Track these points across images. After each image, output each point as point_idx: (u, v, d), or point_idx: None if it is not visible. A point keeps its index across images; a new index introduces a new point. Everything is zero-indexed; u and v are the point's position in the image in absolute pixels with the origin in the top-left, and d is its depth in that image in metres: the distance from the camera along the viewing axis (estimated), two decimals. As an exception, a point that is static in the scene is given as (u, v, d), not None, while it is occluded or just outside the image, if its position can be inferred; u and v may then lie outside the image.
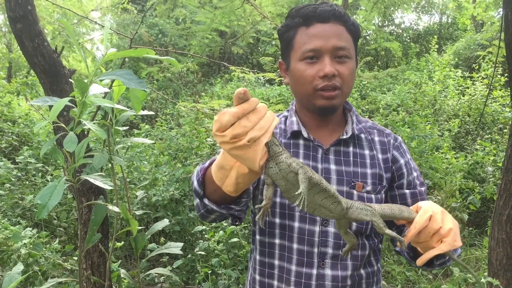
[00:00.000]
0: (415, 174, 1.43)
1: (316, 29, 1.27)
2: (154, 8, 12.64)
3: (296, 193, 0.92)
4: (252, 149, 0.90)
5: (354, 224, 1.31)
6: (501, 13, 2.86)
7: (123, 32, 11.67)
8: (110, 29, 2.02)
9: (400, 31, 16.42)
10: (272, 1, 5.28)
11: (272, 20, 5.11)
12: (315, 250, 1.29)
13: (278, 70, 1.69)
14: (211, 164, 1.13)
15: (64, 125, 1.80)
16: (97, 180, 1.71)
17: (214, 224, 3.87)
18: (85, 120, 1.72)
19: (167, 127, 7.38)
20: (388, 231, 1.02)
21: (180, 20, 11.91)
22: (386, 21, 15.84)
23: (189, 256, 3.81)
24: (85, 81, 1.65)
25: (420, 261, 1.12)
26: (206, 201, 1.15)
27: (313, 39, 1.26)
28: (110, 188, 1.73)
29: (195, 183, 1.16)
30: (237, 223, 1.26)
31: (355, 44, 1.34)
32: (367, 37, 15.13)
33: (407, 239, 1.07)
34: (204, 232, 3.83)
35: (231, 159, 0.99)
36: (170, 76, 11.47)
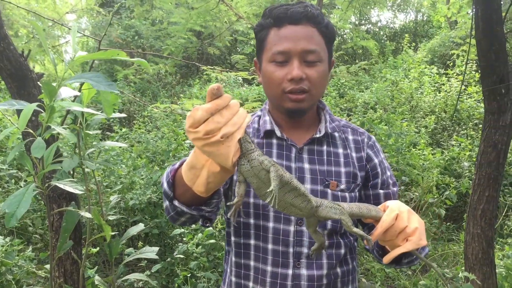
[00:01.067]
0: (388, 173, 1.43)
1: (286, 31, 1.25)
2: (131, 10, 12.53)
3: (268, 190, 0.92)
4: (225, 145, 0.89)
5: (329, 223, 1.30)
6: (473, 12, 2.90)
7: (99, 34, 11.52)
8: (79, 32, 1.98)
9: (377, 29, 16.57)
10: (248, 1, 5.27)
11: (247, 20, 5.09)
12: (291, 250, 1.29)
13: (251, 69, 1.68)
14: (181, 165, 1.11)
15: (32, 131, 1.76)
16: (67, 186, 1.68)
17: (194, 226, 3.84)
18: (54, 125, 1.68)
19: (145, 130, 7.31)
20: (355, 229, 1.03)
21: (157, 21, 11.82)
22: (363, 20, 15.97)
23: (168, 259, 3.77)
24: (54, 84, 1.62)
25: (386, 258, 1.12)
26: (176, 202, 1.12)
27: (282, 41, 1.25)
28: (80, 193, 1.69)
29: (165, 185, 1.14)
30: (207, 224, 1.24)
31: (328, 46, 1.31)
32: (344, 36, 15.23)
33: (373, 237, 1.07)
34: (182, 235, 3.79)
35: (202, 157, 0.97)
36: (149, 78, 11.38)
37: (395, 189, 1.43)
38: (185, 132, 1.00)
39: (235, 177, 1.34)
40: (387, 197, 1.40)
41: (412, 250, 1.07)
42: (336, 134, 1.40)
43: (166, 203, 1.17)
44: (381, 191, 1.40)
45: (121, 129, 6.85)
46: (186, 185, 1.04)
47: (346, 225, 1.03)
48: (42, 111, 1.65)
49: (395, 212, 1.07)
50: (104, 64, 12.00)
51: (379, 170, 1.41)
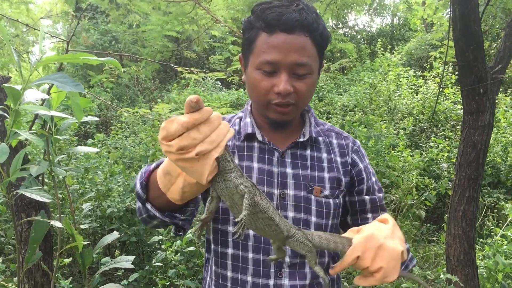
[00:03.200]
0: (373, 179, 1.39)
1: (277, 40, 1.15)
2: (107, 14, 12.38)
3: (237, 219, 0.86)
4: (200, 162, 0.81)
5: (312, 231, 1.25)
6: (449, 13, 2.90)
7: (74, 39, 11.35)
8: (47, 33, 1.90)
9: (354, 33, 16.73)
10: (225, 5, 5.21)
11: (225, 24, 5.03)
12: None
13: (227, 71, 1.60)
14: (157, 167, 1.03)
15: (-4, 136, 1.67)
16: (33, 194, 1.59)
17: (172, 233, 3.75)
18: (19, 130, 1.60)
19: (122, 136, 7.19)
20: (317, 268, 1.01)
21: (133, 26, 11.70)
22: (340, 23, 16.09)
23: (147, 268, 3.68)
24: (19, 88, 1.54)
25: (333, 271, 1.06)
26: (148, 206, 1.05)
27: (272, 51, 1.15)
28: (48, 201, 1.60)
29: (138, 186, 1.06)
30: (180, 233, 1.17)
31: (320, 54, 1.23)
32: (322, 39, 15.32)
33: (332, 271, 1.04)
34: (161, 243, 3.70)
35: (177, 168, 0.90)
36: (126, 83, 11.24)
37: (380, 195, 1.39)
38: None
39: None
40: (373, 203, 1.36)
41: (402, 274, 1.05)
42: (320, 138, 1.35)
43: (138, 204, 1.10)
44: (367, 197, 1.36)
45: (97, 136, 6.73)
46: (160, 190, 0.98)
47: (309, 262, 1.01)
48: (7, 116, 1.56)
49: (356, 254, 1.01)
50: (81, 70, 11.84)
51: (364, 175, 1.36)
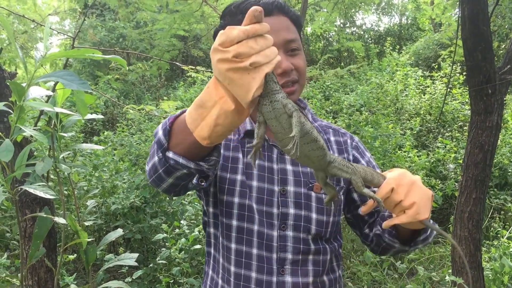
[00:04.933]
0: (378, 171, 1.38)
1: None
2: (115, 12, 12.42)
3: (289, 136, 0.85)
4: (250, 75, 0.79)
5: (313, 227, 1.24)
6: (458, 13, 2.87)
7: (81, 36, 11.39)
8: (52, 29, 1.90)
9: (362, 32, 16.67)
10: (231, 2, 5.21)
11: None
12: (274, 256, 1.22)
13: None
14: (182, 113, 0.99)
15: (1, 133, 1.67)
16: (37, 190, 1.59)
17: (177, 230, 3.76)
18: (23, 126, 1.59)
19: (128, 133, 7.21)
20: (366, 190, 0.99)
21: (141, 23, 11.72)
22: (348, 23, 16.04)
23: (151, 265, 3.69)
24: (24, 84, 1.53)
25: (384, 224, 1.08)
26: (170, 154, 0.98)
27: None
28: (52, 197, 1.60)
29: (160, 133, 1.00)
30: (203, 183, 1.10)
31: (299, 34, 1.29)
32: (330, 38, 15.28)
33: (366, 207, 1.05)
34: (165, 240, 3.70)
35: (216, 93, 0.85)
36: (133, 81, 11.27)
37: None
38: (210, 53, 0.88)
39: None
40: None
41: (423, 222, 1.04)
42: None
43: (154, 159, 1.04)
44: (376, 189, 1.35)
45: (103, 133, 6.75)
46: (186, 131, 0.93)
47: (356, 185, 1.00)
48: (12, 112, 1.56)
49: (391, 186, 1.02)
50: (88, 66, 11.87)
51: None
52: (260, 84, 0.81)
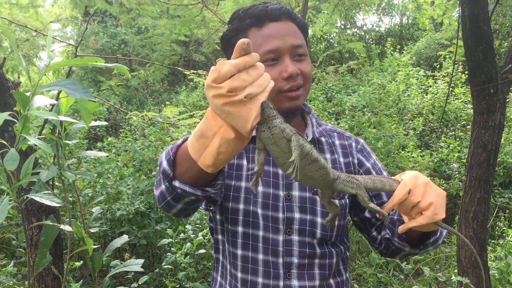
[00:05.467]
0: (384, 174, 1.39)
1: (270, 29, 1.21)
2: (116, 18, 12.46)
3: (289, 160, 0.87)
4: (247, 107, 0.81)
5: (318, 232, 1.25)
6: (458, 13, 2.88)
7: (84, 43, 11.44)
8: (55, 38, 1.91)
9: (363, 33, 16.67)
10: (232, 7, 5.22)
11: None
12: (280, 260, 1.23)
13: None
14: (184, 141, 1.02)
15: (5, 142, 1.68)
16: (43, 198, 1.60)
17: (182, 235, 3.76)
18: (27, 135, 1.61)
19: (132, 139, 7.22)
20: (372, 205, 1.01)
21: (143, 29, 11.76)
22: (349, 24, 16.05)
23: (157, 270, 3.69)
24: (28, 93, 1.55)
25: (401, 229, 1.10)
26: (176, 183, 1.01)
27: (269, 40, 1.20)
28: (57, 205, 1.61)
29: (164, 163, 1.03)
30: (211, 208, 1.14)
31: (305, 40, 1.30)
32: (331, 40, 15.28)
33: (384, 210, 1.03)
34: (170, 245, 3.71)
35: (215, 123, 0.87)
36: (136, 86, 11.30)
37: None
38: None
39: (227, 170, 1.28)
40: (389, 196, 1.35)
41: (436, 222, 1.04)
42: (323, 139, 1.36)
43: (161, 188, 1.06)
44: (382, 193, 1.35)
45: (107, 138, 6.77)
46: (189, 161, 0.95)
47: (362, 200, 1.01)
48: (17, 121, 1.57)
49: (407, 188, 1.03)
50: (90, 73, 11.90)
51: (373, 173, 1.36)
52: (257, 114, 0.82)
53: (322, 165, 0.95)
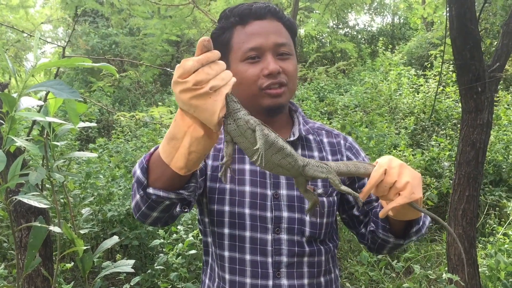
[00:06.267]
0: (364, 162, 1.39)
1: (253, 27, 1.23)
2: (107, 18, 12.41)
3: (254, 148, 0.91)
4: (212, 99, 0.86)
5: (307, 230, 1.25)
6: (446, 12, 2.90)
7: (74, 43, 11.39)
8: (41, 39, 1.91)
9: (355, 33, 16.72)
10: (223, 7, 5.22)
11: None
12: (269, 259, 1.24)
13: None
14: (156, 149, 1.04)
15: (-7, 143, 1.68)
16: (31, 200, 1.59)
17: (175, 236, 3.76)
18: (15, 137, 1.60)
19: (124, 140, 7.20)
20: (343, 187, 1.02)
21: (134, 29, 11.73)
22: (341, 24, 16.09)
23: (149, 271, 3.69)
24: (15, 94, 1.54)
25: (381, 213, 1.10)
26: (150, 190, 1.03)
27: (252, 38, 1.22)
28: (46, 207, 1.61)
29: (138, 172, 1.05)
30: (186, 210, 1.15)
31: (293, 40, 1.30)
32: (322, 40, 15.31)
33: (362, 194, 1.05)
34: (162, 246, 3.71)
35: (184, 124, 0.91)
36: (128, 87, 11.26)
37: None
38: (171, 87, 0.94)
39: (209, 162, 1.31)
40: None
41: (410, 204, 1.04)
42: (311, 137, 1.36)
43: (136, 198, 1.08)
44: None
45: (99, 140, 6.74)
46: (162, 166, 0.98)
47: (333, 183, 1.02)
48: (4, 122, 1.57)
49: (383, 168, 1.04)
50: (81, 73, 11.85)
51: None
52: (222, 105, 0.87)
53: (289, 153, 0.98)
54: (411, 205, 1.05)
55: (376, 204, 1.34)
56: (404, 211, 1.11)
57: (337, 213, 1.41)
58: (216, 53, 0.88)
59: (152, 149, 1.08)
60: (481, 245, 4.29)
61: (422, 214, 1.15)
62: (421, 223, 1.24)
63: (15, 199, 1.65)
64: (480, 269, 3.04)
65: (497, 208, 5.03)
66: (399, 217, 1.16)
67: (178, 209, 1.14)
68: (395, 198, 1.04)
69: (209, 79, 0.86)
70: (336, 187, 1.02)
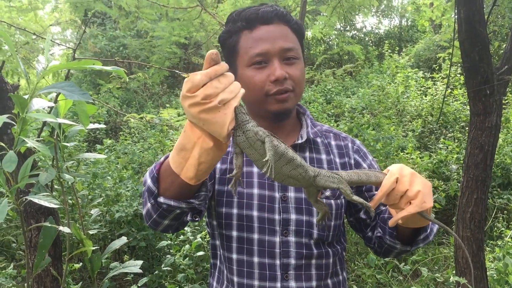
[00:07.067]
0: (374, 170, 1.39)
1: (260, 32, 1.23)
2: (115, 21, 12.48)
3: (263, 160, 0.91)
4: (221, 112, 0.87)
5: (315, 232, 1.26)
6: (455, 15, 2.90)
7: (83, 45, 11.45)
8: (52, 41, 1.93)
9: (362, 35, 16.68)
10: (230, 9, 5.24)
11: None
12: (277, 262, 1.24)
13: None
14: (166, 158, 1.05)
15: (4, 144, 1.70)
16: (41, 200, 1.61)
17: (182, 237, 3.78)
18: (26, 138, 1.62)
19: (131, 141, 7.23)
20: (355, 197, 1.02)
21: (142, 32, 11.78)
22: (348, 26, 16.06)
23: (156, 272, 3.70)
24: (26, 96, 1.56)
25: (391, 221, 1.09)
26: (161, 199, 1.04)
27: (258, 43, 1.22)
28: (56, 207, 1.63)
29: (149, 181, 1.06)
30: (197, 219, 1.16)
31: (300, 43, 1.30)
32: (330, 42, 15.30)
33: (373, 202, 1.05)
34: (169, 247, 3.72)
35: (194, 135, 0.91)
36: (135, 89, 11.30)
37: None
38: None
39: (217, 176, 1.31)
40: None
41: (419, 213, 1.03)
42: (319, 139, 1.36)
43: (147, 206, 1.09)
44: (377, 192, 1.36)
45: (107, 141, 6.77)
46: (172, 175, 0.99)
47: (345, 193, 1.02)
48: (15, 123, 1.59)
49: (395, 176, 1.04)
50: (89, 75, 11.92)
51: None
52: (232, 118, 0.88)
53: (299, 164, 0.98)
54: (420, 214, 1.04)
55: (384, 208, 1.34)
56: (414, 219, 1.10)
57: (345, 215, 1.42)
58: (224, 66, 0.88)
59: (162, 159, 1.09)
60: (489, 248, 4.26)
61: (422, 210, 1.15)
62: (428, 231, 1.24)
63: (26, 199, 1.66)
64: (488, 272, 3.02)
65: (506, 211, 5.00)
66: (408, 224, 1.15)
67: (188, 218, 1.15)
68: (406, 207, 1.04)
69: (218, 93, 0.86)
70: (347, 197, 1.02)
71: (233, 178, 0.98)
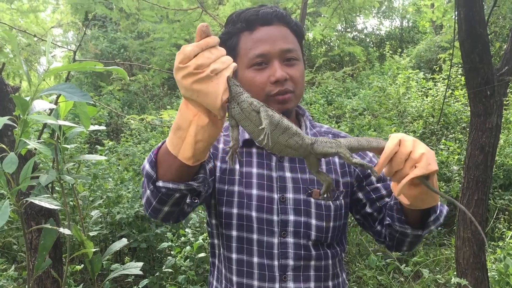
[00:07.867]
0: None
1: (260, 33, 1.23)
2: (116, 23, 12.50)
3: (259, 128, 0.91)
4: (214, 82, 0.87)
5: (313, 233, 1.25)
6: (455, 16, 2.90)
7: (84, 47, 11.48)
8: (53, 43, 1.93)
9: (363, 36, 16.69)
10: (231, 11, 5.25)
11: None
12: (275, 263, 1.24)
13: None
14: (163, 143, 1.05)
15: (5, 146, 1.70)
16: (42, 201, 1.61)
17: (183, 238, 3.78)
18: (27, 139, 1.63)
19: (132, 143, 7.23)
20: (355, 160, 0.99)
21: (143, 34, 11.79)
22: (349, 27, 16.07)
23: (157, 274, 3.70)
24: (27, 98, 1.57)
25: (397, 190, 1.03)
26: (160, 183, 1.03)
27: (258, 44, 1.22)
28: (56, 208, 1.63)
29: (147, 166, 1.06)
30: (196, 200, 1.14)
31: (300, 44, 1.30)
32: (330, 43, 15.30)
33: (378, 167, 1.00)
34: (170, 249, 3.72)
35: (189, 113, 0.92)
36: (136, 90, 11.32)
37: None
38: (174, 75, 0.95)
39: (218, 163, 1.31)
40: (387, 187, 1.34)
41: (423, 181, 0.99)
42: None
43: (146, 193, 1.08)
44: (379, 184, 1.35)
45: (108, 143, 6.77)
46: (170, 158, 0.99)
47: (345, 157, 0.99)
48: (16, 125, 1.59)
49: (398, 138, 1.00)
50: (90, 77, 11.93)
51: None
52: (225, 88, 0.88)
53: (295, 132, 0.98)
54: (425, 184, 1.00)
55: (388, 199, 1.31)
56: (422, 197, 1.05)
57: (351, 214, 1.41)
58: (215, 39, 0.89)
59: (160, 143, 1.08)
60: (491, 250, 4.26)
61: (438, 203, 1.11)
62: (438, 211, 1.19)
63: (26, 201, 1.67)
64: (489, 274, 3.02)
65: (507, 213, 4.99)
66: (416, 204, 1.09)
67: (188, 200, 1.13)
68: (411, 171, 0.99)
69: (209, 63, 0.87)
70: (347, 161, 0.99)
71: (230, 150, 0.97)
